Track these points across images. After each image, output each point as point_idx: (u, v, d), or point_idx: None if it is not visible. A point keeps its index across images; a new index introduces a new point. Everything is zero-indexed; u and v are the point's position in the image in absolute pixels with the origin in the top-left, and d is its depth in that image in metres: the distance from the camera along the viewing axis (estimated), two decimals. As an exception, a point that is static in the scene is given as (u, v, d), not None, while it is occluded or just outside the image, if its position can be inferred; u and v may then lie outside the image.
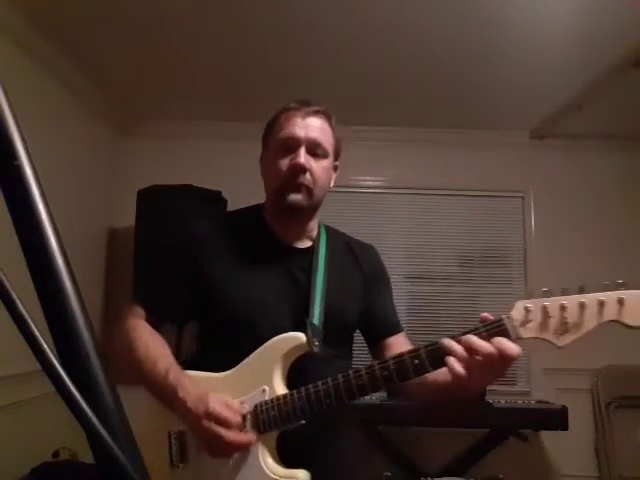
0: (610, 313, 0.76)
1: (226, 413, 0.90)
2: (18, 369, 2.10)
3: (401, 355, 0.90)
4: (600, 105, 2.78)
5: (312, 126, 1.10)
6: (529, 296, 0.82)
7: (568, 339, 0.78)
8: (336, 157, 1.19)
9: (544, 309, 0.79)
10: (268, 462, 0.93)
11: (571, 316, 0.77)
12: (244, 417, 0.95)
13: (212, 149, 3.32)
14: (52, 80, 2.53)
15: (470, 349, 0.81)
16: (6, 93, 0.37)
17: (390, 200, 3.35)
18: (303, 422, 0.94)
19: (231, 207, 3.06)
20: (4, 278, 0.32)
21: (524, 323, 0.81)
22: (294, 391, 0.95)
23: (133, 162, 3.32)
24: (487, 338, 0.82)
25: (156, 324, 1.11)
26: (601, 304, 0.76)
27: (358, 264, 1.19)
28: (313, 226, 1.19)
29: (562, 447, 2.98)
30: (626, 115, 2.95)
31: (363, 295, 1.16)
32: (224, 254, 1.10)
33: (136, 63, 2.62)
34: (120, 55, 2.53)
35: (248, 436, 0.93)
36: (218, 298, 1.07)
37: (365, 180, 3.37)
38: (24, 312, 0.31)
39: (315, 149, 1.09)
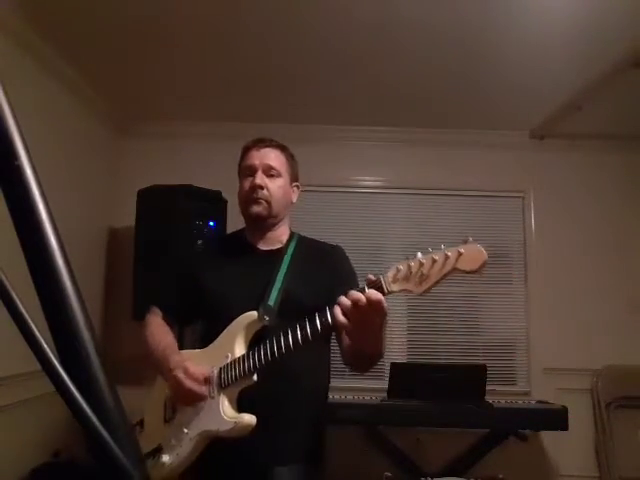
0: (450, 263, 0.95)
1: (191, 368, 1.24)
2: (18, 369, 2.10)
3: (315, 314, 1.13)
4: (600, 105, 2.78)
5: (265, 155, 1.44)
6: (401, 261, 1.02)
7: (423, 287, 0.98)
8: (293, 179, 1.52)
9: (408, 267, 0.99)
10: (225, 408, 1.21)
11: (426, 269, 0.97)
12: (209, 378, 1.24)
13: (212, 149, 3.32)
14: (52, 80, 2.53)
15: (351, 300, 1.00)
16: (6, 93, 0.37)
17: (390, 200, 3.35)
18: (254, 379, 1.19)
19: (231, 207, 3.06)
20: (4, 278, 0.32)
21: (395, 280, 1.01)
22: (245, 353, 1.22)
23: (133, 162, 3.32)
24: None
25: (171, 322, 1.49)
26: (446, 257, 0.96)
27: (323, 263, 1.44)
28: (281, 232, 1.49)
29: (562, 447, 2.98)
30: (626, 115, 2.95)
31: (328, 289, 1.30)
32: (211, 264, 1.46)
33: (136, 63, 2.62)
34: (120, 55, 2.53)
35: (203, 388, 1.23)
36: (205, 295, 1.41)
37: (365, 180, 3.37)
38: (24, 312, 0.31)
39: (269, 171, 1.43)
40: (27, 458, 2.26)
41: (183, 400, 1.27)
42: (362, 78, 2.70)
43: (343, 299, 1.02)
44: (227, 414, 1.19)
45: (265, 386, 1.21)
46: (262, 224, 1.44)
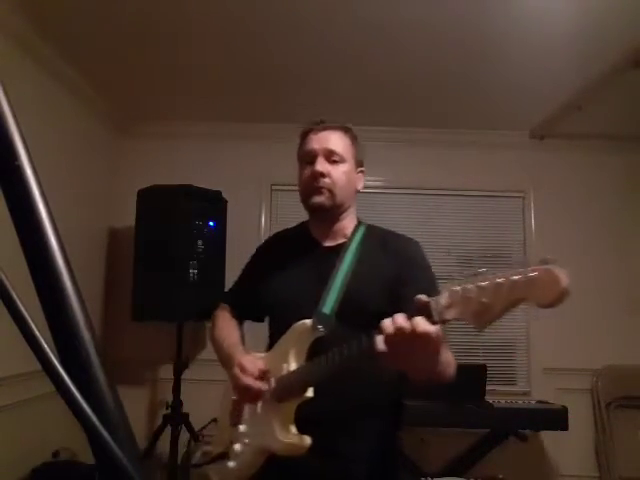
0: (519, 291, 0.73)
1: (247, 364, 1.17)
2: (18, 369, 2.10)
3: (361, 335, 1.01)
4: (600, 105, 2.79)
5: (326, 138, 1.29)
6: (460, 279, 0.83)
7: (485, 321, 0.77)
8: (358, 164, 1.35)
9: (465, 291, 0.80)
10: (279, 424, 1.11)
11: (487, 297, 0.76)
12: (266, 373, 1.17)
13: (212, 149, 3.32)
14: (52, 80, 2.53)
15: (395, 328, 0.87)
16: (6, 93, 0.37)
17: (390, 200, 3.35)
18: (310, 395, 1.09)
19: (231, 207, 3.07)
20: (4, 278, 0.32)
21: (450, 305, 0.82)
22: (298, 366, 1.13)
23: (133, 162, 3.32)
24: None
25: (238, 317, 1.42)
26: (513, 283, 0.74)
27: (390, 254, 1.26)
28: (346, 224, 1.34)
29: (562, 447, 2.98)
30: (626, 115, 2.95)
31: (392, 281, 1.21)
32: (274, 263, 1.35)
33: (136, 63, 2.62)
34: (120, 55, 2.53)
35: (259, 383, 1.15)
36: (266, 295, 1.33)
37: (365, 180, 3.37)
38: (24, 312, 0.31)
39: (331, 156, 1.28)
40: (27, 458, 2.26)
41: (243, 397, 1.21)
42: (362, 78, 2.70)
43: (386, 324, 0.88)
44: (280, 431, 1.11)
45: (323, 404, 1.10)
46: (325, 215, 1.30)
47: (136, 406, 3.05)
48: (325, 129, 1.31)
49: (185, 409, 2.76)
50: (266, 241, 1.49)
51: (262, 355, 1.28)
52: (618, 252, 3.23)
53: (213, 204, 2.96)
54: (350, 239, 1.30)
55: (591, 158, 3.30)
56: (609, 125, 3.11)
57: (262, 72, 2.67)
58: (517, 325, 3.20)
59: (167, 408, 2.75)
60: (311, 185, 1.27)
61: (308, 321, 1.15)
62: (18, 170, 0.36)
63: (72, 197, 2.66)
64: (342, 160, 1.28)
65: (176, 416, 2.72)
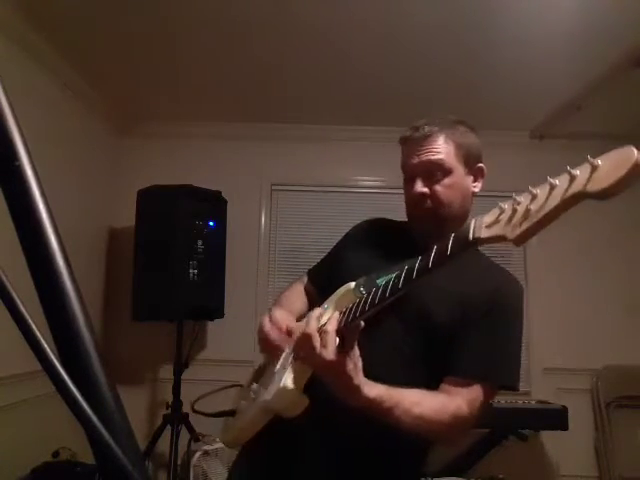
0: (579, 183, 0.59)
1: (277, 315, 1.13)
2: (18, 369, 2.10)
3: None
4: (600, 105, 2.78)
5: (425, 149, 1.12)
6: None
7: (523, 227, 0.62)
8: (471, 163, 1.17)
9: (514, 202, 0.65)
10: (287, 379, 0.99)
11: (537, 202, 0.62)
12: (292, 330, 1.09)
13: (212, 149, 3.32)
14: (52, 80, 2.53)
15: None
16: (6, 93, 0.37)
17: (390, 200, 3.34)
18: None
19: (231, 207, 3.07)
20: (4, 278, 0.32)
21: (492, 223, 0.67)
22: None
23: (133, 162, 3.32)
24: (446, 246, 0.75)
25: (313, 291, 1.34)
26: (572, 178, 0.59)
27: (476, 286, 1.06)
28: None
29: (562, 447, 2.98)
30: (626, 115, 2.95)
31: (449, 327, 1.04)
32: (361, 244, 1.25)
33: (136, 63, 2.62)
34: (120, 55, 2.53)
35: (280, 336, 1.09)
36: (335, 273, 1.19)
37: (365, 180, 3.37)
38: (24, 312, 0.31)
39: (433, 171, 1.11)
40: (27, 458, 2.26)
41: (263, 347, 1.14)
42: (362, 78, 2.70)
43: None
44: (284, 384, 0.99)
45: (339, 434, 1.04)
46: (432, 235, 1.10)
47: (136, 406, 3.05)
48: (425, 137, 1.12)
49: (185, 409, 2.76)
50: (364, 221, 1.36)
51: (301, 322, 1.18)
52: (618, 252, 3.23)
53: (213, 204, 2.96)
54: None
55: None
56: (609, 125, 3.11)
57: (262, 73, 2.67)
58: (517, 325, 3.20)
59: (167, 408, 2.75)
60: (413, 208, 1.14)
61: (352, 283, 1.03)
62: (18, 170, 0.36)
63: (72, 197, 2.66)
64: (446, 172, 1.11)
65: (176, 416, 2.71)
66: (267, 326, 1.12)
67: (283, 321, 1.13)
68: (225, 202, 3.04)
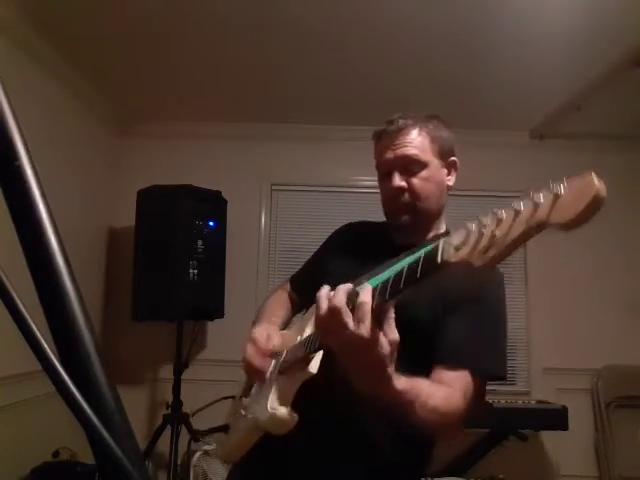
0: (542, 212, 0.58)
1: (260, 340, 1.08)
2: (18, 369, 2.10)
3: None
4: (600, 105, 2.78)
5: (400, 143, 1.12)
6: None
7: (489, 254, 0.61)
8: (445, 156, 1.16)
9: (481, 225, 0.63)
10: (273, 395, 0.98)
11: (502, 227, 0.61)
12: (275, 354, 1.07)
13: (212, 149, 3.32)
14: (52, 80, 2.53)
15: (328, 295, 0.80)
16: (7, 93, 0.37)
17: (390, 200, 3.35)
18: (311, 371, 0.92)
19: (231, 207, 3.07)
20: (4, 278, 0.32)
21: (461, 245, 0.66)
22: (310, 334, 0.97)
23: (133, 162, 3.32)
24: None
25: (296, 298, 1.35)
26: (536, 205, 0.58)
27: (453, 282, 0.99)
28: (432, 227, 1.18)
29: (562, 447, 2.98)
30: (626, 115, 2.95)
31: (434, 315, 1.03)
32: (340, 253, 1.25)
33: (136, 63, 2.62)
34: (120, 55, 2.53)
35: (262, 361, 1.06)
36: (317, 279, 1.13)
37: (365, 180, 3.37)
38: (24, 312, 0.31)
39: (409, 166, 1.12)
40: (27, 458, 2.26)
41: (247, 372, 1.12)
42: (362, 78, 2.70)
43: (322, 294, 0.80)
44: (272, 402, 0.97)
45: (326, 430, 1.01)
46: (409, 231, 1.14)
47: (136, 406, 3.05)
48: (399, 131, 1.13)
49: (185, 409, 2.76)
50: (345, 225, 1.38)
51: (286, 331, 1.19)
52: (618, 252, 3.23)
53: (213, 204, 2.96)
54: (422, 244, 1.08)
55: (591, 158, 3.29)
56: (609, 125, 3.11)
57: (263, 73, 2.67)
58: (517, 325, 3.20)
59: (167, 408, 2.75)
60: (391, 203, 1.15)
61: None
62: (18, 170, 0.36)
63: (72, 197, 2.66)
64: (422, 165, 1.11)
65: (176, 416, 2.71)
66: (249, 353, 1.08)
67: (265, 339, 1.09)
68: (225, 202, 3.04)
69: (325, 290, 0.81)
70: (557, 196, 0.56)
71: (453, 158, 1.19)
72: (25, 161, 0.36)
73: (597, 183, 0.52)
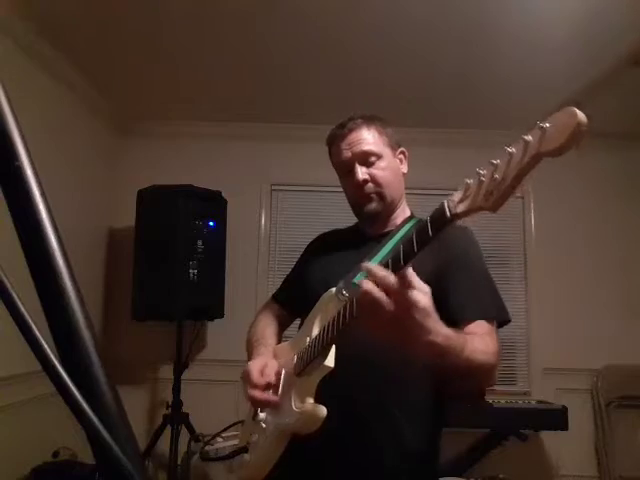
0: (533, 147, 0.62)
1: (252, 375, 1.11)
2: (18, 369, 2.10)
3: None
4: (600, 105, 2.78)
5: (355, 141, 1.23)
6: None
7: (496, 194, 0.67)
8: (394, 147, 1.29)
9: (478, 175, 0.70)
10: (295, 397, 1.03)
11: (500, 170, 0.67)
12: (271, 384, 1.11)
13: (212, 149, 3.32)
14: (52, 80, 2.53)
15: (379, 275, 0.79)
16: (7, 93, 0.37)
17: (390, 200, 3.35)
18: (329, 365, 0.97)
19: (231, 207, 3.07)
20: (4, 278, 0.32)
21: (463, 199, 0.73)
22: (318, 333, 1.04)
23: (133, 162, 3.32)
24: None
25: (282, 314, 1.40)
26: (526, 143, 0.63)
27: (437, 246, 1.06)
28: (396, 215, 1.30)
29: (562, 447, 2.98)
30: (626, 115, 2.95)
31: (433, 279, 1.00)
32: (320, 257, 1.33)
33: (136, 63, 2.62)
34: (120, 55, 2.53)
35: (265, 395, 1.10)
36: (304, 286, 1.29)
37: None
38: (24, 312, 0.31)
39: (367, 158, 1.22)
40: (27, 458, 2.26)
41: (254, 405, 1.17)
42: (362, 78, 2.70)
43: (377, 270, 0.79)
44: (296, 403, 1.02)
45: (351, 394, 1.08)
46: (379, 218, 1.26)
47: (136, 406, 3.05)
48: (350, 132, 1.24)
49: (185, 409, 2.76)
50: (316, 237, 1.46)
51: (286, 343, 1.25)
52: (618, 252, 3.23)
53: (213, 204, 2.96)
54: (398, 228, 1.24)
55: (591, 158, 3.30)
56: (609, 124, 3.11)
57: (263, 73, 2.67)
58: (517, 325, 3.20)
59: (167, 408, 2.75)
60: (359, 195, 1.24)
61: (333, 289, 1.09)
62: (18, 170, 0.36)
63: (72, 197, 2.67)
64: (378, 156, 1.23)
65: (176, 416, 2.71)
66: (249, 391, 1.11)
67: (259, 378, 1.12)
68: (225, 202, 3.04)
69: (362, 277, 0.82)
70: (544, 130, 0.61)
71: (402, 149, 1.32)
72: (25, 161, 0.36)
73: (578, 112, 0.58)
